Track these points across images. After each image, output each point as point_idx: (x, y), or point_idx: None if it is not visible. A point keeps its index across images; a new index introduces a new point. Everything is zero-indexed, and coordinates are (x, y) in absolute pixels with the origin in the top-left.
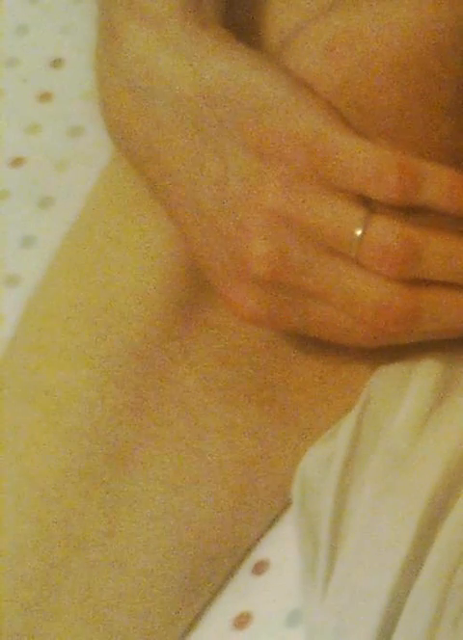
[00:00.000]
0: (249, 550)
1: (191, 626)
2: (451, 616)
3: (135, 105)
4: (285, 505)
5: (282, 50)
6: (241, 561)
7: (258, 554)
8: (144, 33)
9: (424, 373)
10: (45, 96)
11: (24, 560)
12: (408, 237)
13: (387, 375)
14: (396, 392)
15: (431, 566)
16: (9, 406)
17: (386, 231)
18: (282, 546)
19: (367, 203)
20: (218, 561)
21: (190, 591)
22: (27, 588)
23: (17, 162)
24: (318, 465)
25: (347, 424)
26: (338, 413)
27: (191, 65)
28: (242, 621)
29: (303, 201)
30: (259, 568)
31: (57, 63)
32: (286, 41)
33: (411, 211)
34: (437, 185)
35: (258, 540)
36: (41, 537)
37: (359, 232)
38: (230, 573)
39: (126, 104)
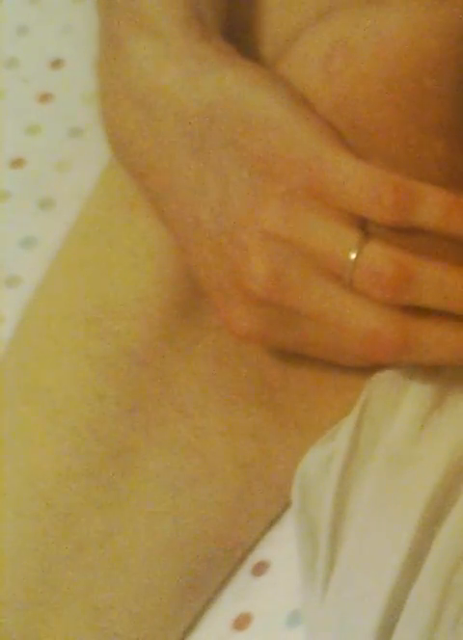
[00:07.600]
0: (249, 551)
1: (191, 627)
2: (451, 616)
3: (137, 119)
4: (285, 505)
5: (280, 59)
6: (241, 561)
7: (258, 555)
8: (147, 47)
9: (423, 375)
10: (45, 97)
11: (24, 560)
12: (401, 263)
13: (386, 377)
14: (396, 394)
15: (431, 566)
16: (9, 406)
17: (379, 256)
18: (282, 546)
19: (364, 226)
20: (218, 561)
21: (190, 591)
22: (27, 588)
23: (18, 163)
24: (318, 465)
25: (347, 426)
26: (337, 415)
27: (193, 80)
28: (242, 621)
29: (300, 222)
30: (259, 568)
31: (57, 63)
32: (284, 51)
33: (408, 233)
34: (433, 207)
35: (257, 540)
36: (41, 537)
37: (353, 256)
38: (229, 574)
39: (128, 117)
